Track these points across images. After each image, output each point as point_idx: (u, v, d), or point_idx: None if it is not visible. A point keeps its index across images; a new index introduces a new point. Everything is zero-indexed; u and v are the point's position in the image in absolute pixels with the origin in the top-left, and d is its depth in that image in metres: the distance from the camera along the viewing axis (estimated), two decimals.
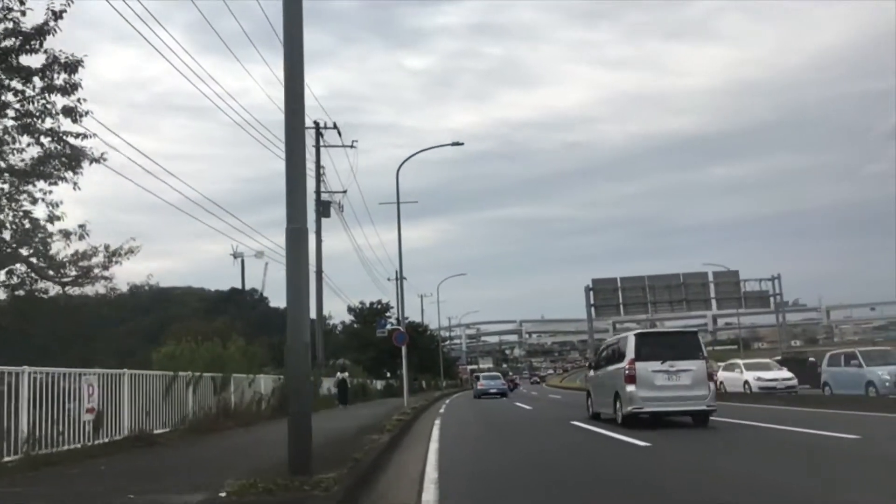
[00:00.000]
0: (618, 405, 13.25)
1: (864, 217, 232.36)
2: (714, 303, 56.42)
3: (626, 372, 12.89)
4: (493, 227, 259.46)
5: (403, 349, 26.86)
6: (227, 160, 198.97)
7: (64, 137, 12.65)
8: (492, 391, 39.44)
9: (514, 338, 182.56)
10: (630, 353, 13.05)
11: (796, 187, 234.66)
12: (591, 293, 56.03)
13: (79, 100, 12.47)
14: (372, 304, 53.74)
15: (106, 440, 10.53)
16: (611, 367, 14.17)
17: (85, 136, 12.74)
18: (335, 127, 32.42)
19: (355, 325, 53.67)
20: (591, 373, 16.35)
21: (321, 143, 32.51)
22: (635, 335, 13.59)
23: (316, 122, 32.02)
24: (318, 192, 32.13)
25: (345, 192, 33.19)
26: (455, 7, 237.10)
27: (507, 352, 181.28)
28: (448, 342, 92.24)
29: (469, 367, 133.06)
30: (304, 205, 6.93)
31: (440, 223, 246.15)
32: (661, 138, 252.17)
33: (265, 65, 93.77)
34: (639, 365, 12.82)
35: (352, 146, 32.94)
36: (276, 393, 19.06)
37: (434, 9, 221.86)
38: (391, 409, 20.01)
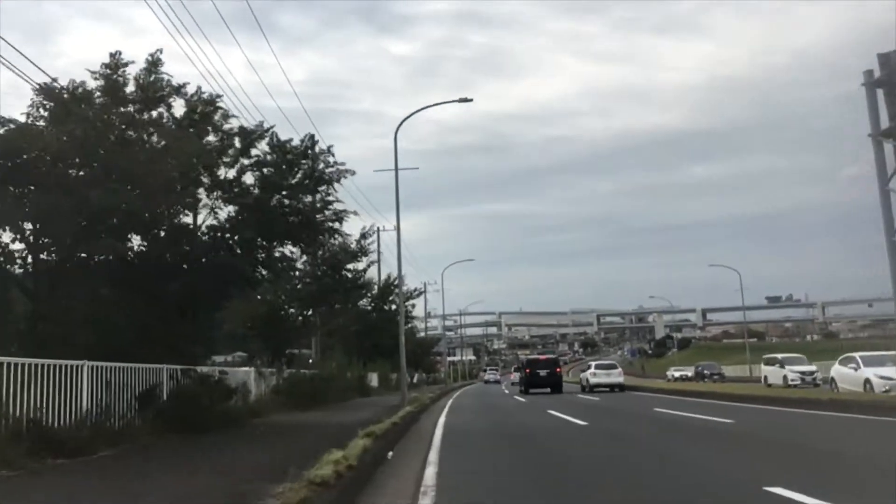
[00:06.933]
0: None
1: (845, 217, 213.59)
2: None
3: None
4: (469, 222, 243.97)
5: None
6: None
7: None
8: (491, 381, 74.64)
9: (493, 330, 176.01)
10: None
11: (774, 188, 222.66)
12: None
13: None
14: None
15: None
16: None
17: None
18: None
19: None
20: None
21: None
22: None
23: None
24: None
25: None
26: None
27: (488, 343, 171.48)
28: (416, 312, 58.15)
29: (449, 360, 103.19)
30: None
31: (415, 218, 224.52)
32: (642, 135, 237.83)
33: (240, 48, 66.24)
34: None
35: None
36: None
37: None
38: None
